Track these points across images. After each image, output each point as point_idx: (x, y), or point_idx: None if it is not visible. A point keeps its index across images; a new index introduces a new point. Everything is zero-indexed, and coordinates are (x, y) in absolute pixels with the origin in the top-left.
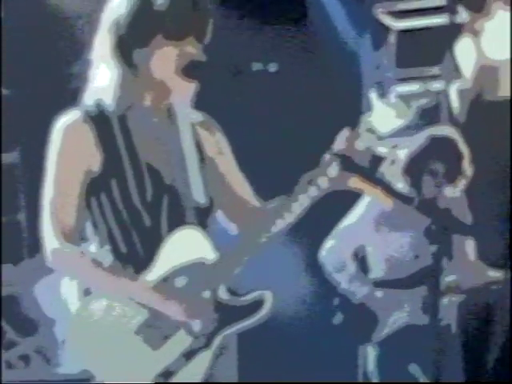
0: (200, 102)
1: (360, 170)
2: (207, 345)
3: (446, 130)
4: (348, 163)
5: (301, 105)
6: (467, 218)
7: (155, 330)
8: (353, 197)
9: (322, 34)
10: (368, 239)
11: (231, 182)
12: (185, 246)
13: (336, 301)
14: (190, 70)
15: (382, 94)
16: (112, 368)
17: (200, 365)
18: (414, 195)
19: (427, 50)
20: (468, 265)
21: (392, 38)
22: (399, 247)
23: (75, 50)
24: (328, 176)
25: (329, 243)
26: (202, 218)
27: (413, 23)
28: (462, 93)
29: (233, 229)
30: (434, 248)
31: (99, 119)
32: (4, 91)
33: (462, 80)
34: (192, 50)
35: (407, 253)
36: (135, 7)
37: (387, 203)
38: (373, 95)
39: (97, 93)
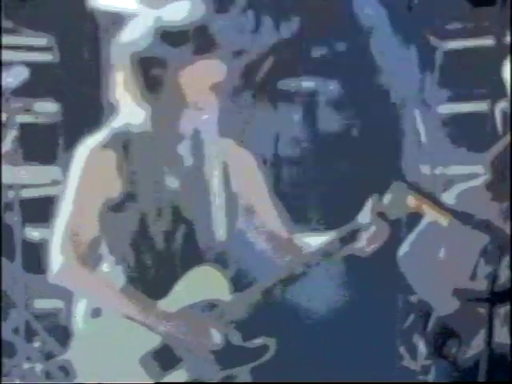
0: None
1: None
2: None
3: None
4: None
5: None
6: None
7: (159, 360)
8: None
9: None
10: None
11: (261, 212)
12: (201, 284)
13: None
14: (221, 87)
15: (427, 113)
16: None
17: None
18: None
19: (473, 70)
20: None
21: (438, 58)
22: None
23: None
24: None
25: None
26: (221, 255)
27: (460, 44)
28: (507, 113)
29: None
30: (489, 269)
31: (124, 144)
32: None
33: (507, 100)
34: (222, 64)
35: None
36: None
37: (443, 221)
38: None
39: (124, 117)
